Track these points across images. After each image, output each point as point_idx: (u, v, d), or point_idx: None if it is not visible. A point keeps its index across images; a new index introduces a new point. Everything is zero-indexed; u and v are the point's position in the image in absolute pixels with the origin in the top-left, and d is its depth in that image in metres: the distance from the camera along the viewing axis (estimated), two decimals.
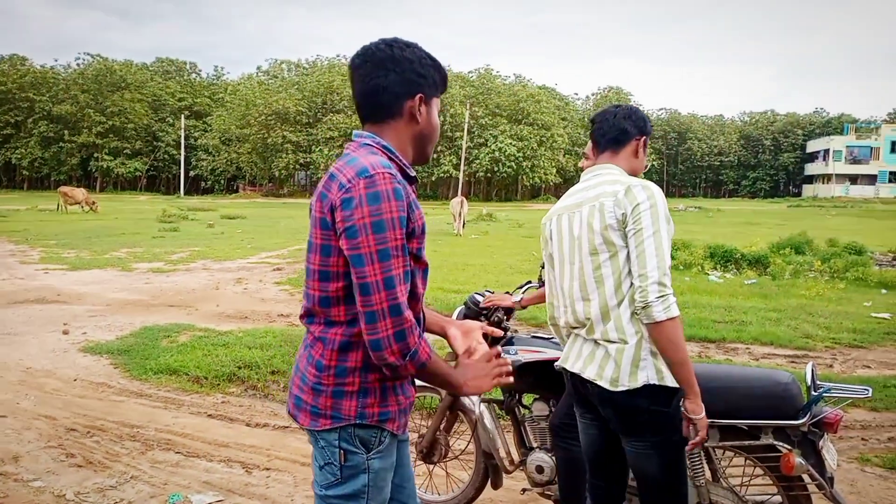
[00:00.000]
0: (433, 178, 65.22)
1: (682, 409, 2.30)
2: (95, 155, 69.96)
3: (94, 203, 33.03)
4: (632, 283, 2.31)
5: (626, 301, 2.35)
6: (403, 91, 1.82)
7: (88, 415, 5.23)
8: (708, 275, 12.78)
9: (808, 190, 77.23)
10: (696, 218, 36.13)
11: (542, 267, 3.50)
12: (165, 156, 72.71)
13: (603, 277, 2.38)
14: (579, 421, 2.66)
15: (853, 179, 71.21)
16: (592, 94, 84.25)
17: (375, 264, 1.65)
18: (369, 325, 1.67)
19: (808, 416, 2.69)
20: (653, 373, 2.33)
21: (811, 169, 78.37)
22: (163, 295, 10.46)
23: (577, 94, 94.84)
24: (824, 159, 74.20)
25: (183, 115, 71.05)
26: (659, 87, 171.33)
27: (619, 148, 2.58)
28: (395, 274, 1.67)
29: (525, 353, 3.30)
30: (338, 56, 77.28)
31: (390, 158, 1.80)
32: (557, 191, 71.50)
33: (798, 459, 2.63)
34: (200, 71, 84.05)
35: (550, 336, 3.43)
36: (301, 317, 1.90)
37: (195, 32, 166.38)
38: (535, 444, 3.40)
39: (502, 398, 3.54)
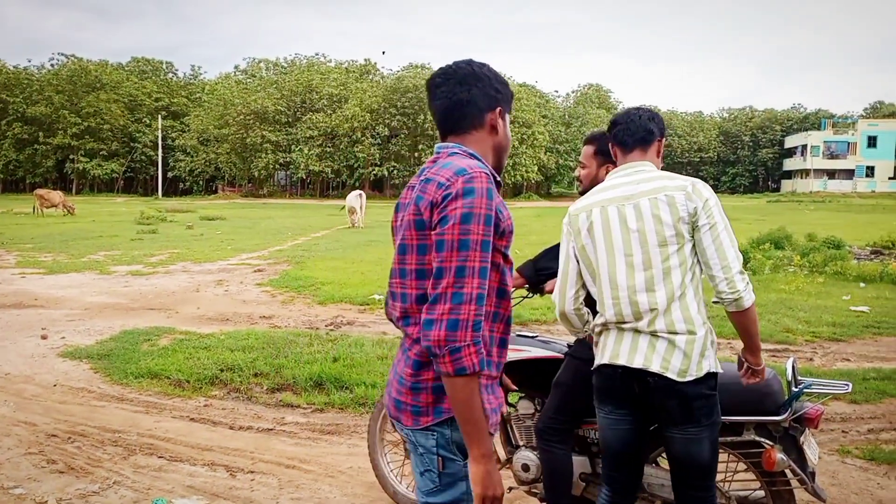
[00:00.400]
0: None
1: (745, 360, 2.57)
2: (71, 157, 69.12)
3: (71, 206, 32.62)
4: (694, 274, 2.48)
5: (691, 292, 2.47)
6: (485, 105, 1.95)
7: (69, 420, 5.16)
8: None
9: (786, 185, 78.13)
10: None
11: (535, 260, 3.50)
12: (142, 157, 71.95)
13: (671, 268, 2.46)
14: (607, 418, 2.64)
15: (831, 174, 72.15)
16: (573, 92, 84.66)
17: (454, 251, 1.72)
18: (430, 306, 1.73)
19: (789, 411, 2.73)
20: (714, 361, 2.48)
21: (789, 164, 79.29)
22: (142, 298, 10.36)
23: (557, 91, 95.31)
24: (802, 155, 75.12)
25: (160, 116, 70.35)
26: (639, 84, 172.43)
27: (646, 147, 2.68)
28: (469, 265, 1.72)
29: (511, 352, 3.29)
30: (317, 54, 77.12)
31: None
32: (539, 188, 71.73)
33: (780, 455, 2.66)
34: (177, 70, 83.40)
35: (535, 334, 3.43)
36: (398, 319, 1.94)
37: (172, 32, 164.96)
38: (520, 443, 3.40)
39: None
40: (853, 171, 71.37)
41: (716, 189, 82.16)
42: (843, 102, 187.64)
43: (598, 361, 2.63)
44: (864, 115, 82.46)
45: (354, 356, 6.59)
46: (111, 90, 70.32)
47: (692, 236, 2.46)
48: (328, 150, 65.34)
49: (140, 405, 5.57)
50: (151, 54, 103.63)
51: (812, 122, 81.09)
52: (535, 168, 65.26)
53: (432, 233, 1.77)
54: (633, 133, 2.66)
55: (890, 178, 70.30)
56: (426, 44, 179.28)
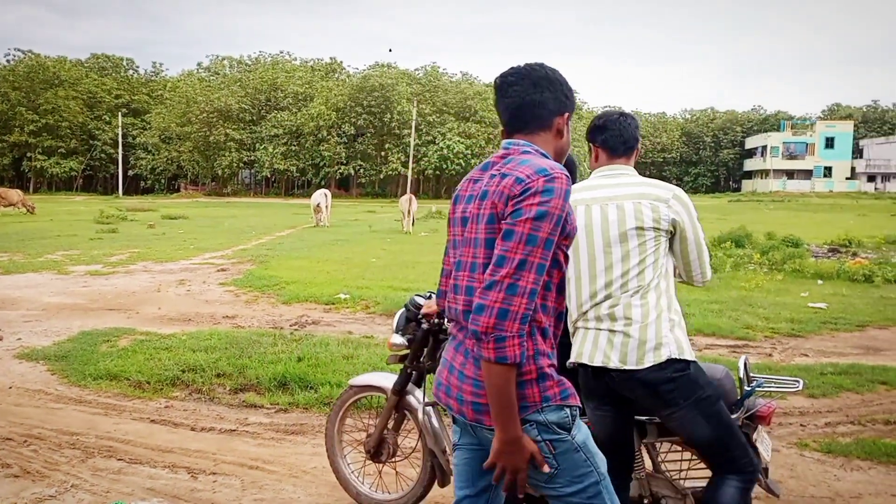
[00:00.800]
0: (381, 176, 65.00)
1: None
2: (28, 154, 67.48)
3: (31, 205, 31.80)
4: (666, 271, 2.63)
5: (654, 286, 2.57)
6: (555, 109, 2.02)
7: (25, 423, 5.02)
8: None
9: (747, 185, 79.67)
10: None
11: None
12: (102, 155, 70.55)
13: (645, 268, 2.58)
14: (594, 413, 2.72)
15: (790, 174, 73.78)
16: None
17: (521, 244, 1.77)
18: (484, 291, 1.78)
19: (741, 409, 2.79)
20: (674, 347, 2.54)
21: (750, 165, 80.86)
22: (101, 298, 10.14)
23: None
24: (762, 155, 76.69)
25: (120, 113, 69.00)
26: (603, 85, 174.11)
27: (631, 154, 2.84)
28: (531, 260, 1.77)
29: None
30: (281, 52, 76.47)
31: None
32: None
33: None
34: (138, 67, 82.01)
35: None
36: (461, 313, 1.96)
37: (133, 29, 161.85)
38: None
39: None
40: (811, 171, 73.12)
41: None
42: (802, 105, 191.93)
43: (570, 359, 2.70)
44: (822, 116, 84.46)
45: (319, 356, 6.53)
46: (70, 87, 68.83)
47: (669, 241, 2.66)
48: (293, 148, 64.83)
49: (99, 407, 5.45)
50: (112, 51, 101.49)
51: (772, 123, 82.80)
52: None
53: (503, 223, 1.82)
54: (624, 140, 2.80)
55: (847, 179, 72.18)
56: (393, 42, 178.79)
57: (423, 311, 3.36)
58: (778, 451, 4.53)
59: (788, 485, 4.06)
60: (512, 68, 2.04)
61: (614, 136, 2.80)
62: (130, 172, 70.59)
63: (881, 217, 32.80)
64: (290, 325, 8.25)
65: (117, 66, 79.07)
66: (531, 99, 1.99)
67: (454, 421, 2.09)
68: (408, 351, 3.50)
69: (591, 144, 2.88)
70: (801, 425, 5.07)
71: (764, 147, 76.26)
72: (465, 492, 2.08)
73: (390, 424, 3.67)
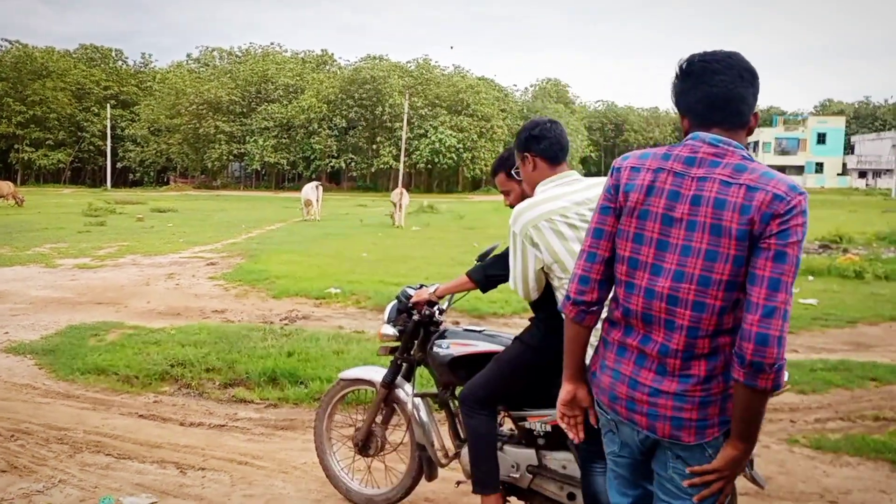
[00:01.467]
0: (373, 170, 64.79)
1: None
2: (16, 146, 66.91)
3: (21, 198, 31.52)
4: None
5: None
6: (753, 105, 1.89)
7: (12, 418, 4.98)
8: None
9: None
10: None
11: (477, 260, 3.52)
12: (91, 147, 70.00)
13: None
14: None
15: (782, 170, 72.37)
16: (531, 86, 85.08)
17: (793, 267, 1.71)
18: (764, 318, 1.68)
19: None
20: None
21: None
22: (90, 292, 10.07)
23: (515, 85, 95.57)
24: (754, 150, 76.90)
25: (109, 105, 68.47)
26: (596, 80, 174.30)
27: (566, 159, 2.89)
28: (793, 282, 1.72)
29: (457, 347, 3.28)
30: (272, 44, 76.02)
31: None
32: None
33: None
34: (127, 59, 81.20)
35: (481, 329, 3.42)
36: (657, 319, 1.86)
37: (122, 19, 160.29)
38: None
39: (436, 391, 3.51)
40: (803, 167, 73.42)
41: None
42: (794, 101, 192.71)
43: None
44: (814, 112, 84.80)
45: (309, 350, 6.51)
46: (58, 78, 68.22)
47: None
48: (284, 141, 64.54)
49: (87, 402, 5.41)
50: (101, 42, 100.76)
51: (764, 118, 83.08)
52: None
53: (772, 242, 1.71)
54: (563, 147, 2.84)
55: (838, 175, 72.53)
56: (384, 34, 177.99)
57: (412, 300, 3.35)
58: (768, 447, 4.55)
59: (778, 481, 4.08)
60: (713, 53, 1.87)
61: (553, 145, 2.81)
62: (119, 165, 70.07)
63: (872, 213, 32.97)
64: (281, 320, 8.21)
65: (106, 57, 78.38)
66: (738, 92, 1.84)
67: (612, 431, 2.03)
68: (398, 343, 3.49)
69: (525, 154, 2.86)
70: (791, 421, 5.09)
71: (756, 142, 76.49)
72: (622, 500, 2.08)
73: (379, 418, 3.65)
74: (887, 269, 12.09)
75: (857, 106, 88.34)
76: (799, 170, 73.25)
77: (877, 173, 72.31)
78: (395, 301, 3.51)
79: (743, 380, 1.72)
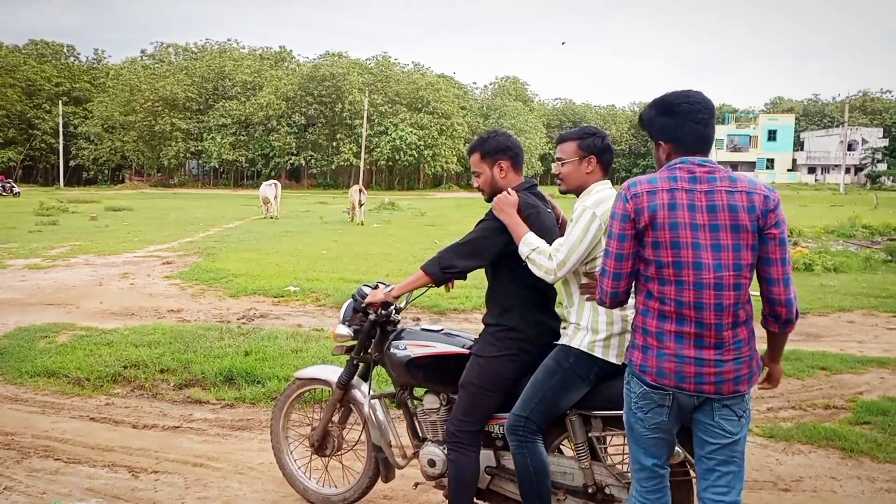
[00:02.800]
0: (333, 167, 64.34)
1: None
2: None
3: None
4: None
5: None
6: None
7: None
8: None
9: None
10: None
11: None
12: (42, 144, 68.09)
13: None
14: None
15: (734, 166, 75.46)
16: (490, 84, 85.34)
17: (787, 246, 2.35)
18: (787, 289, 2.33)
19: None
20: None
21: None
22: (40, 293, 9.79)
23: (475, 83, 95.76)
24: None
25: (61, 102, 66.64)
26: (552, 77, 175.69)
27: None
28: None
29: (415, 348, 3.25)
30: (229, 40, 75.00)
31: None
32: (459, 179, 72.11)
33: (676, 447, 2.75)
34: (79, 55, 79.27)
35: (440, 328, 3.39)
36: (727, 308, 2.31)
37: (74, 13, 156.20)
38: (427, 436, 3.36)
39: (394, 392, 3.49)
40: (755, 163, 75.04)
41: (626, 180, 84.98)
42: (745, 98, 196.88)
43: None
44: (765, 109, 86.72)
45: (267, 349, 6.42)
46: (7, 74, 66.23)
47: None
48: (242, 138, 63.69)
49: (35, 405, 5.25)
50: (51, 37, 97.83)
51: (717, 116, 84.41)
52: (455, 159, 65.55)
53: (775, 231, 2.29)
54: (611, 160, 3.04)
55: (788, 170, 74.32)
56: (345, 31, 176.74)
57: (367, 300, 3.30)
58: None
59: None
60: (692, 95, 2.42)
61: (612, 159, 3.00)
62: (72, 163, 68.35)
63: (821, 208, 33.87)
64: (238, 319, 8.08)
65: (57, 52, 76.32)
66: (713, 126, 2.45)
67: (662, 405, 2.39)
68: (354, 342, 3.45)
69: (591, 156, 2.92)
70: None
71: None
72: (656, 461, 2.48)
73: (335, 418, 3.61)
74: (836, 261, 12.43)
75: (806, 104, 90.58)
76: (750, 166, 74.88)
77: (825, 169, 74.33)
78: (351, 300, 3.47)
79: (779, 331, 2.43)
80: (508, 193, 3.01)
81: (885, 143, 73.49)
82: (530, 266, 2.84)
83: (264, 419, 4.95)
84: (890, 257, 13.26)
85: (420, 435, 3.43)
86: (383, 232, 20.11)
